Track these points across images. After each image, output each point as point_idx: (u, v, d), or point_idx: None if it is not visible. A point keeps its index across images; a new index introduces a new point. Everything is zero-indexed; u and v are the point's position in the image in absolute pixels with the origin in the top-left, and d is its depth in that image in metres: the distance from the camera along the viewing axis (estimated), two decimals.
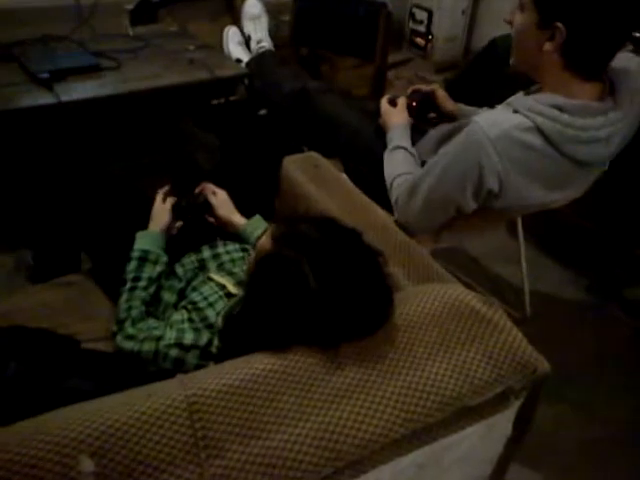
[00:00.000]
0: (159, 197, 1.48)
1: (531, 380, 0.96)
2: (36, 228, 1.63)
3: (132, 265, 1.34)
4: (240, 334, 1.03)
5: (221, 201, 1.52)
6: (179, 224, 1.49)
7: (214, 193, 1.53)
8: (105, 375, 1.14)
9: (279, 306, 0.95)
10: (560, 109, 1.30)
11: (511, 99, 1.42)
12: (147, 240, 1.39)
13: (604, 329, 2.06)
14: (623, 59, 1.36)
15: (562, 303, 2.16)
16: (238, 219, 1.50)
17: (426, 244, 1.48)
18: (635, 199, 2.11)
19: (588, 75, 1.31)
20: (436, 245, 1.57)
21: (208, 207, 1.51)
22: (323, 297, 0.91)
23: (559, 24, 1.23)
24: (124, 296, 1.31)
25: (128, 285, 1.32)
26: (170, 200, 1.48)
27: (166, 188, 1.50)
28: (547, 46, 1.27)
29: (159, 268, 1.36)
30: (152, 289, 1.33)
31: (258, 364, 0.88)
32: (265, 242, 1.01)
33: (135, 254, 1.35)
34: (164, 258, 1.38)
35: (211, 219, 1.53)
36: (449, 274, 1.25)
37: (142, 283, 1.32)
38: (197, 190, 1.55)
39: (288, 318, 0.94)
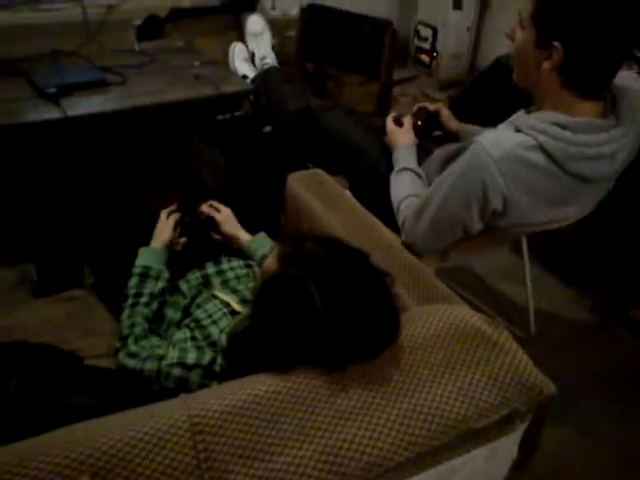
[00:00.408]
0: (164, 214, 1.48)
1: (537, 402, 0.95)
2: (39, 242, 1.63)
3: (133, 281, 1.34)
4: (245, 353, 1.03)
5: (226, 218, 1.52)
6: (183, 240, 1.49)
7: (218, 210, 1.53)
8: (108, 393, 1.13)
9: (285, 325, 0.95)
10: (562, 127, 1.30)
11: (513, 118, 1.42)
12: (148, 256, 1.39)
13: (610, 350, 2.05)
14: (625, 77, 1.36)
15: (567, 322, 2.15)
16: (243, 235, 1.50)
17: (431, 263, 1.47)
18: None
19: (587, 94, 1.31)
20: (441, 264, 1.56)
21: (212, 224, 1.51)
22: (329, 317, 0.91)
23: (556, 43, 1.24)
24: (126, 312, 1.30)
25: (130, 301, 1.32)
26: (174, 216, 1.48)
27: (172, 207, 1.51)
28: (545, 65, 1.28)
29: (161, 284, 1.36)
30: (154, 305, 1.33)
31: (262, 385, 0.87)
32: (271, 262, 1.01)
33: (136, 270, 1.35)
34: (166, 274, 1.38)
35: (216, 236, 1.53)
36: (454, 294, 1.25)
37: (144, 299, 1.32)
38: (201, 208, 1.54)
39: (294, 338, 0.93)
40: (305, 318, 0.92)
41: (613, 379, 1.94)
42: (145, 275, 1.35)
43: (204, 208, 1.54)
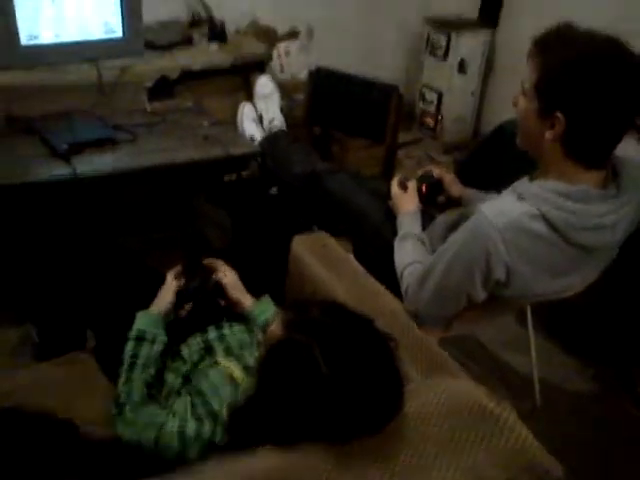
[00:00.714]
0: (170, 276, 1.48)
1: None
2: (41, 303, 1.62)
3: (129, 345, 1.33)
4: (248, 425, 1.01)
5: (232, 282, 1.51)
6: (189, 306, 1.48)
7: (224, 273, 1.53)
8: (103, 469, 1.10)
9: (291, 392, 0.94)
10: (565, 196, 1.30)
11: (516, 184, 1.43)
12: (145, 320, 1.38)
13: (617, 427, 2.00)
14: (624, 147, 1.37)
15: (572, 395, 2.11)
16: (248, 300, 1.49)
17: (435, 333, 1.46)
18: None
19: (590, 164, 1.32)
20: (445, 334, 1.55)
21: (220, 290, 1.51)
22: (335, 383, 0.90)
23: (559, 114, 1.25)
24: (122, 377, 1.29)
25: (125, 366, 1.31)
26: (176, 282, 1.46)
27: (178, 268, 1.50)
28: (548, 134, 1.29)
29: (157, 348, 1.34)
30: (152, 370, 1.31)
31: (259, 462, 0.86)
32: (275, 328, 1.01)
33: (132, 334, 1.35)
34: (162, 337, 1.36)
35: (222, 302, 1.52)
36: (457, 364, 1.24)
37: (140, 362, 1.31)
38: (208, 268, 1.53)
39: (299, 406, 0.92)
40: (311, 384, 0.91)
41: (620, 459, 1.88)
42: (141, 339, 1.34)
43: (212, 273, 1.52)
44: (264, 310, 1.44)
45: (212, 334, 1.45)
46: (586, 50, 1.24)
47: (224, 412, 1.18)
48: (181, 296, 1.46)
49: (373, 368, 0.93)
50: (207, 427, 1.18)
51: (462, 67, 3.53)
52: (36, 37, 2.21)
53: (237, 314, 1.50)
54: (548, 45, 1.28)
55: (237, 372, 1.28)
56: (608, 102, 1.23)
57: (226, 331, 1.46)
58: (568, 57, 1.24)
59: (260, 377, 1.01)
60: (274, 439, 0.90)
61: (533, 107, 1.31)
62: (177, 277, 1.47)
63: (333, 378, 0.90)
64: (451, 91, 3.56)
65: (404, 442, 0.92)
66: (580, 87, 1.22)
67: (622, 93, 1.23)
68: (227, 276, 1.51)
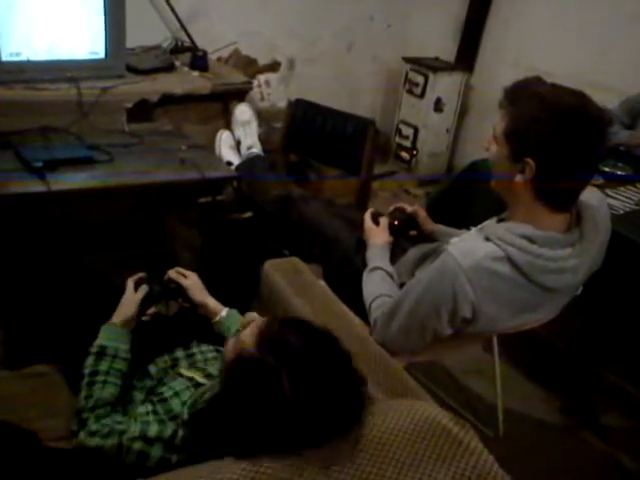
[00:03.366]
0: (130, 284, 1.46)
1: None
2: (8, 312, 1.60)
3: (89, 360, 1.32)
4: (207, 426, 1.02)
5: (193, 284, 1.51)
6: (152, 311, 1.48)
7: (184, 276, 1.53)
8: (65, 474, 1.09)
9: (250, 409, 0.96)
10: (530, 240, 1.34)
11: (484, 225, 1.47)
12: (107, 334, 1.36)
13: (578, 455, 2.02)
14: (586, 193, 1.42)
15: (535, 423, 2.13)
16: (211, 302, 1.49)
17: (401, 358, 1.48)
18: (608, 322, 2.15)
19: (557, 207, 1.37)
20: (412, 360, 1.57)
21: (181, 292, 1.50)
22: (296, 406, 0.93)
23: (529, 159, 1.30)
24: (82, 392, 1.28)
25: (86, 380, 1.29)
26: (142, 290, 1.45)
27: (138, 275, 1.49)
28: (518, 178, 1.33)
29: (118, 363, 1.33)
30: (111, 385, 1.29)
31: (226, 474, 0.86)
32: (249, 336, 1.02)
33: (93, 349, 1.34)
34: (124, 353, 1.35)
35: (185, 304, 1.52)
36: (422, 389, 1.25)
37: (100, 377, 1.29)
38: (167, 275, 1.53)
39: (257, 420, 0.94)
40: (272, 406, 0.94)
41: None
42: (101, 354, 1.33)
43: (171, 274, 1.52)
44: (236, 321, 1.44)
45: (180, 353, 1.45)
46: (553, 104, 1.28)
47: (185, 413, 1.19)
48: (143, 301, 1.45)
49: (336, 390, 0.95)
50: (169, 429, 1.18)
51: (438, 105, 3.63)
52: (18, 54, 2.21)
53: (206, 336, 1.50)
54: (517, 96, 1.33)
55: (200, 378, 1.28)
56: (574, 151, 1.28)
57: (194, 350, 1.46)
58: (536, 110, 1.28)
59: (223, 384, 1.02)
60: (230, 444, 0.91)
61: (504, 152, 1.35)
62: (138, 284, 1.46)
63: (295, 402, 0.93)
64: (427, 127, 3.66)
65: (364, 461, 0.93)
66: (547, 134, 1.27)
67: (586, 143, 1.28)
68: (188, 278, 1.51)
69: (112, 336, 1.36)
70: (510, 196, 1.41)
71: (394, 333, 1.47)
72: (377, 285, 1.65)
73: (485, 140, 1.43)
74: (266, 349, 0.99)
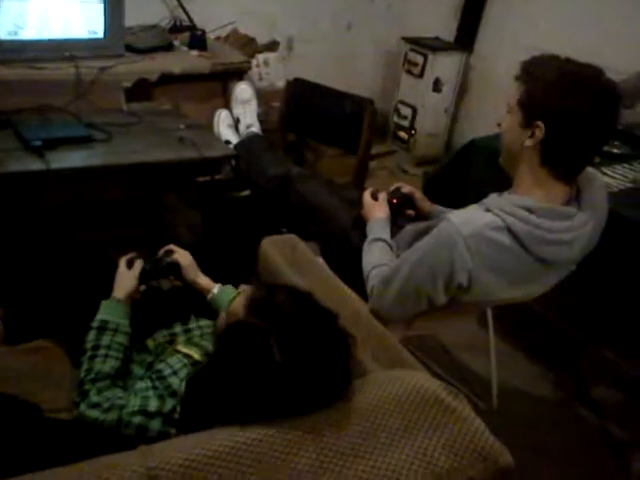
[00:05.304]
0: (123, 262, 1.47)
1: (492, 472, 0.97)
2: (8, 288, 1.62)
3: (91, 335, 1.35)
4: (201, 397, 1.04)
5: (187, 263, 1.51)
6: (143, 288, 1.49)
7: (178, 254, 1.53)
8: (65, 443, 1.12)
9: (242, 375, 0.98)
10: (530, 211, 1.37)
11: (485, 199, 1.49)
12: (108, 309, 1.39)
13: (569, 429, 2.05)
14: (589, 174, 1.48)
15: (529, 397, 2.16)
16: (204, 281, 1.50)
17: (397, 331, 1.50)
18: (601, 298, 2.17)
19: (562, 174, 1.40)
20: (407, 332, 1.59)
21: (174, 269, 1.51)
22: (286, 371, 0.95)
23: (539, 122, 1.34)
24: (84, 366, 1.30)
25: (88, 354, 1.32)
26: (138, 265, 1.47)
27: (131, 255, 1.50)
28: (528, 142, 1.37)
29: (120, 337, 1.35)
30: (114, 359, 1.32)
31: (221, 441, 0.88)
32: (238, 304, 1.04)
33: (94, 324, 1.36)
34: (125, 328, 1.38)
35: (177, 282, 1.53)
36: (418, 362, 1.27)
37: (101, 351, 1.32)
38: (161, 252, 1.54)
39: (250, 388, 0.97)
40: (262, 370, 0.96)
41: (572, 461, 1.94)
42: (103, 329, 1.35)
43: (162, 253, 1.53)
44: (229, 294, 1.45)
45: (178, 328, 1.48)
46: (568, 71, 1.34)
47: (183, 388, 1.22)
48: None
49: (325, 361, 0.98)
50: (169, 404, 1.20)
51: (437, 86, 3.61)
52: (16, 33, 2.22)
53: (204, 311, 1.52)
54: (534, 67, 1.38)
55: (197, 356, 1.31)
56: (584, 115, 1.31)
57: (192, 325, 1.48)
58: (550, 75, 1.34)
59: (215, 353, 1.05)
60: (225, 413, 0.93)
61: (516, 119, 1.39)
62: (131, 263, 1.47)
63: (285, 366, 0.95)
64: (425, 107, 3.65)
65: (357, 428, 0.96)
66: (559, 102, 1.31)
67: (597, 110, 1.32)
68: (181, 257, 1.52)
69: (113, 311, 1.39)
70: (517, 165, 1.44)
71: (390, 299, 1.50)
72: (376, 255, 1.67)
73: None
74: (254, 313, 1.01)
